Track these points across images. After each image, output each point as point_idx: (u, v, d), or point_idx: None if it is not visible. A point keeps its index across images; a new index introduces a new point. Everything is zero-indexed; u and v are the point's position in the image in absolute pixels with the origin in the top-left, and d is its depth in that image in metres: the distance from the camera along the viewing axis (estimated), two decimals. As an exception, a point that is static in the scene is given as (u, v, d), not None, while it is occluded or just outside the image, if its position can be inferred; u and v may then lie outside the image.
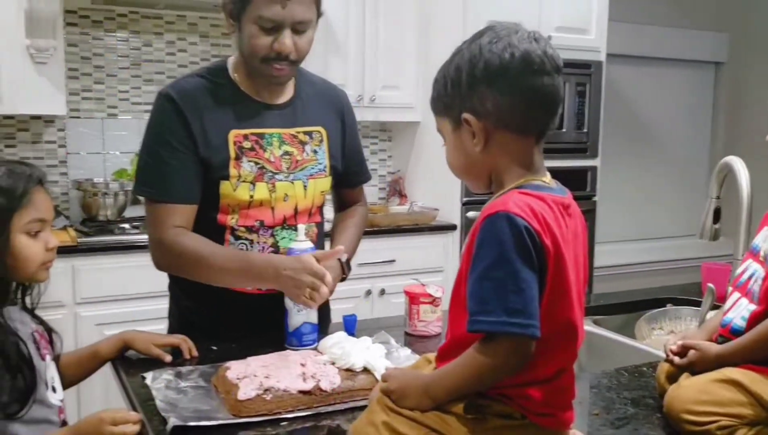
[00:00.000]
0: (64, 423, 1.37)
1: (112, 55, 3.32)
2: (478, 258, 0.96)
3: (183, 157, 1.55)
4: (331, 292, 1.52)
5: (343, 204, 1.87)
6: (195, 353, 1.52)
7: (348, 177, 1.80)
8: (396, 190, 3.89)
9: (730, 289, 1.42)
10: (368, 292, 3.33)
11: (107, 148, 3.35)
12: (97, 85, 3.31)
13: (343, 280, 1.65)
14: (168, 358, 1.48)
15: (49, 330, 1.42)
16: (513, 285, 0.93)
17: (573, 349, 1.02)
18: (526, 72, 0.99)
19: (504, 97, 1.00)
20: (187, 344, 1.53)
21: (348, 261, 1.66)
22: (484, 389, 0.99)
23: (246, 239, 1.62)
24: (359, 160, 1.84)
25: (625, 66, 4.60)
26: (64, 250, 2.68)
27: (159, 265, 1.63)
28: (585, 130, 3.75)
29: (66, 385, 1.43)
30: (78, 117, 3.28)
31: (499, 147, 1.02)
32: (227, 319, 1.65)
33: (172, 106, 1.56)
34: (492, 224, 0.95)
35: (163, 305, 2.71)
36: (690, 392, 1.24)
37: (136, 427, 1.25)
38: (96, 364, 1.53)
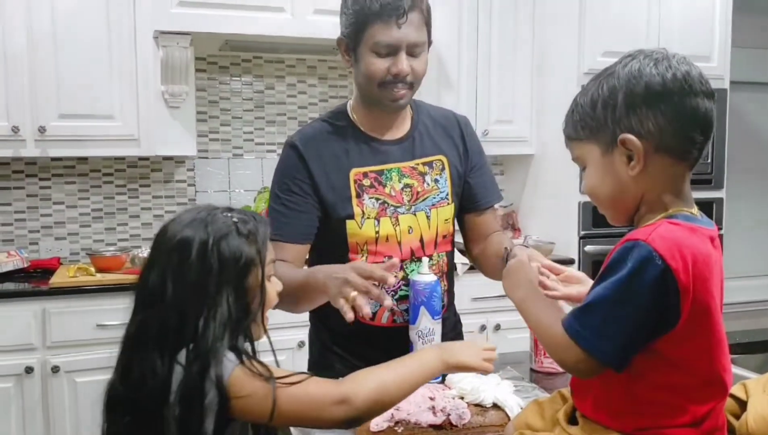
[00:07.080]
0: None
1: (237, 99, 3.51)
2: (602, 279, 0.96)
3: (299, 200, 1.61)
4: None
5: (473, 234, 1.79)
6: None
7: (472, 198, 1.76)
8: (509, 223, 3.86)
9: None
10: (483, 327, 3.30)
11: (233, 186, 3.51)
12: (223, 127, 3.50)
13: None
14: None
15: None
16: (611, 313, 0.95)
17: (723, 394, 1.00)
18: (689, 93, 0.97)
19: (667, 119, 0.97)
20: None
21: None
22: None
23: None
24: (484, 179, 1.78)
25: (749, 93, 4.39)
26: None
27: None
28: (708, 161, 3.60)
29: None
30: (206, 157, 3.47)
31: (655, 172, 0.99)
32: (363, 350, 1.67)
33: (295, 153, 1.64)
34: (627, 252, 0.94)
35: (284, 337, 2.85)
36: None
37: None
38: None
